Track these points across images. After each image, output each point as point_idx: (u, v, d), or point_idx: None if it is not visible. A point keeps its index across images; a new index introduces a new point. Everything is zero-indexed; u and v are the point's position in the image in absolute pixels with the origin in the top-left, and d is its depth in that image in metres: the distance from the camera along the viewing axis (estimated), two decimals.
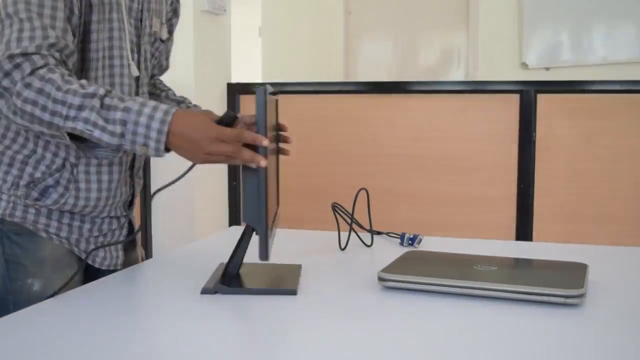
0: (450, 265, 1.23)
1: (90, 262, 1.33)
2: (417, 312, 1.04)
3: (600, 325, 0.98)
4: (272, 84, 1.65)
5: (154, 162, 2.77)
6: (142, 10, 1.36)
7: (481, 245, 1.58)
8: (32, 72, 1.11)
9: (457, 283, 1.09)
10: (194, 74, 2.65)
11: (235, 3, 3.09)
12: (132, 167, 1.41)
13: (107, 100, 1.11)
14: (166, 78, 1.69)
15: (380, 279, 1.14)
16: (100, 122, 1.10)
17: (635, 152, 2.45)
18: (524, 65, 4.64)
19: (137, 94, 1.37)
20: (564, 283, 1.07)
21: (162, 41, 1.49)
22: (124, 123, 1.10)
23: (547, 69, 4.61)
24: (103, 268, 1.35)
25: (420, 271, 1.15)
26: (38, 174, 1.27)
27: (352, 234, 1.49)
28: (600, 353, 0.87)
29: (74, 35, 1.22)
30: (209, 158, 1.11)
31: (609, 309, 1.05)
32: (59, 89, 1.11)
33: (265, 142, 1.09)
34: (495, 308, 1.03)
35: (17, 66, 1.11)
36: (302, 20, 5.17)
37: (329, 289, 1.16)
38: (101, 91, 1.12)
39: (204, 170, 1.42)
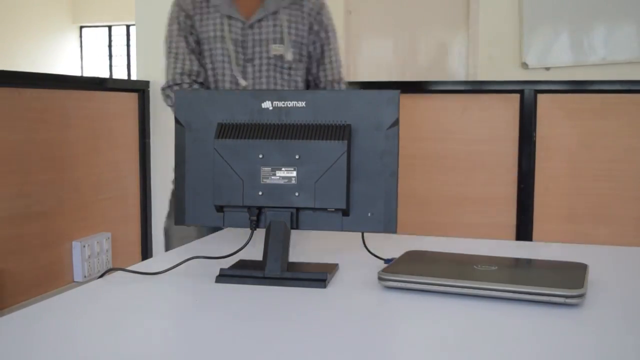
0: (450, 265, 1.23)
1: None
2: (418, 312, 1.04)
3: (600, 325, 0.98)
4: None
5: (154, 162, 2.78)
6: (246, 41, 1.84)
7: (481, 245, 1.58)
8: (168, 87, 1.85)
9: (458, 283, 1.09)
10: None
11: None
12: None
13: None
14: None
15: (381, 279, 1.14)
16: None
17: (635, 152, 2.45)
18: (524, 65, 4.64)
19: None
20: (564, 283, 1.07)
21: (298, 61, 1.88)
22: None
23: (548, 68, 4.61)
24: None
25: (420, 271, 1.15)
26: None
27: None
28: (600, 353, 0.87)
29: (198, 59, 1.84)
30: None
31: (609, 309, 1.05)
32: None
33: None
34: (495, 308, 1.04)
35: (166, 90, 1.87)
36: None
37: (329, 288, 1.16)
38: None
39: None
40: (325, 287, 1.16)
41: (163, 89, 1.87)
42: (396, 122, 1.20)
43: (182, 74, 1.83)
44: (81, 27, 10.62)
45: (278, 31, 1.86)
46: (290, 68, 1.87)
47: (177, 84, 1.83)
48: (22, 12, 9.34)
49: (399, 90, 1.21)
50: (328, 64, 1.96)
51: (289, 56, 1.85)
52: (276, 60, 1.85)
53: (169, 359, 0.84)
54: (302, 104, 1.21)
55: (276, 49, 1.85)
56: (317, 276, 1.17)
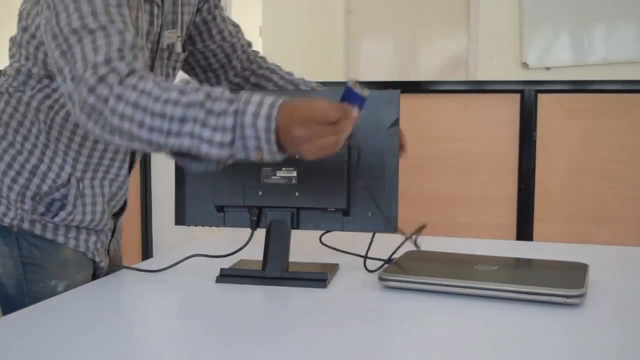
0: (450, 265, 1.23)
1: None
2: (418, 312, 1.04)
3: (600, 325, 0.98)
4: None
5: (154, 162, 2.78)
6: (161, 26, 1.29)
7: (481, 245, 1.58)
8: (120, 83, 0.97)
9: (458, 283, 1.09)
10: None
11: (235, 3, 3.09)
12: (129, 172, 1.37)
13: (208, 105, 0.95)
14: None
15: (381, 279, 1.14)
16: (207, 133, 0.94)
17: (635, 152, 2.45)
18: (525, 65, 4.64)
19: None
20: (564, 283, 1.07)
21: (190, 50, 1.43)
22: (232, 129, 0.94)
23: (548, 68, 4.61)
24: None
25: (420, 271, 1.15)
26: (45, 187, 1.22)
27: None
28: (600, 353, 0.87)
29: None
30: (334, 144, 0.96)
31: (609, 309, 1.05)
32: (157, 99, 0.95)
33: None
34: (495, 308, 1.03)
35: (102, 79, 0.97)
36: (303, 20, 5.16)
37: (329, 288, 1.16)
38: (201, 96, 0.95)
39: None
40: (325, 287, 1.16)
41: (95, 67, 0.98)
42: (396, 122, 1.20)
43: (134, 47, 1.02)
44: None
45: (176, 11, 1.32)
46: (181, 61, 1.40)
47: (127, 62, 1.00)
48: None
49: (399, 90, 1.21)
50: (231, 26, 1.49)
51: (179, 47, 1.34)
52: (170, 49, 1.33)
53: (169, 358, 0.84)
54: None
55: (169, 36, 1.31)
56: (318, 276, 1.17)
